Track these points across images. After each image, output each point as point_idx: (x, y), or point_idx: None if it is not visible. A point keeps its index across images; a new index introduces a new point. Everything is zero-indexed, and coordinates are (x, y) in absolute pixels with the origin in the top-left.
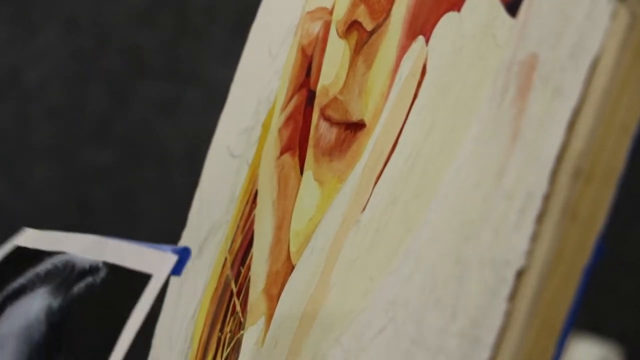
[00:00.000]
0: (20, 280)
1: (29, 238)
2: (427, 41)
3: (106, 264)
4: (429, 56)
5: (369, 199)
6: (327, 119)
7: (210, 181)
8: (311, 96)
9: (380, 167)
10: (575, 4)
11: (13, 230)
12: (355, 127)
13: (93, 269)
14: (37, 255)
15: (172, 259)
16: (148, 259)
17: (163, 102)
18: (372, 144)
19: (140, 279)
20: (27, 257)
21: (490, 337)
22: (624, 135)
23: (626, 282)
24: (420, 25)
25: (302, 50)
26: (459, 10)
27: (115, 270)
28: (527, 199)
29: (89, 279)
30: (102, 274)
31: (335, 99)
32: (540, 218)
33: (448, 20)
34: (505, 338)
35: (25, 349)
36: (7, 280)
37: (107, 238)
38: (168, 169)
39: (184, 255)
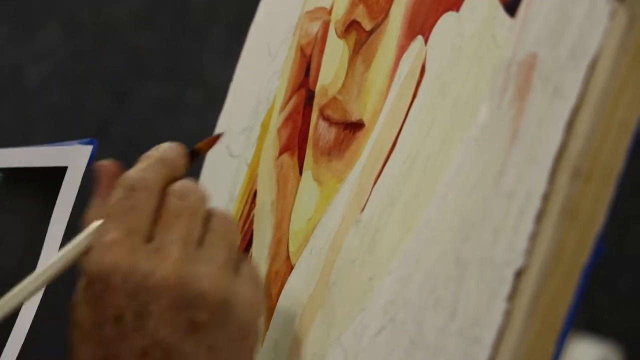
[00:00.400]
0: None
1: None
2: (426, 41)
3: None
4: (428, 56)
5: (368, 199)
6: (326, 118)
7: (209, 181)
8: (310, 96)
9: (379, 167)
10: (574, 4)
11: None
12: (354, 127)
13: None
14: None
15: (87, 149)
16: (56, 154)
17: (163, 102)
18: (371, 143)
19: (52, 174)
20: None
21: (489, 337)
22: (623, 134)
23: (625, 282)
24: (419, 25)
25: (301, 50)
26: (457, 10)
27: (13, 173)
28: (527, 198)
29: None
30: None
31: (334, 98)
32: (540, 218)
33: (447, 20)
34: (504, 338)
35: None
36: None
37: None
38: None
39: (95, 146)
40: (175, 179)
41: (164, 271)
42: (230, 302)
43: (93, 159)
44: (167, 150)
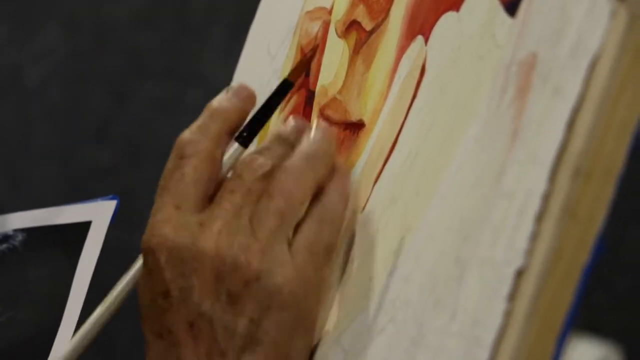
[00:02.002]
0: None
1: None
2: (426, 41)
3: (20, 230)
4: (428, 56)
5: (368, 199)
6: (326, 118)
7: None
8: (310, 96)
9: (379, 167)
10: (574, 3)
11: None
12: (355, 127)
13: (3, 239)
14: None
15: (110, 204)
16: (80, 211)
17: (163, 102)
18: (371, 143)
19: (76, 230)
20: None
21: (489, 337)
22: (624, 134)
23: (625, 282)
24: (419, 25)
25: (301, 50)
26: (457, 10)
27: (35, 232)
28: (527, 198)
29: (4, 246)
30: (19, 238)
31: (334, 98)
32: (540, 217)
33: (447, 20)
34: (504, 338)
35: None
36: None
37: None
38: None
39: (117, 202)
40: (237, 128)
41: (204, 243)
42: (266, 274)
43: (116, 214)
44: (230, 98)
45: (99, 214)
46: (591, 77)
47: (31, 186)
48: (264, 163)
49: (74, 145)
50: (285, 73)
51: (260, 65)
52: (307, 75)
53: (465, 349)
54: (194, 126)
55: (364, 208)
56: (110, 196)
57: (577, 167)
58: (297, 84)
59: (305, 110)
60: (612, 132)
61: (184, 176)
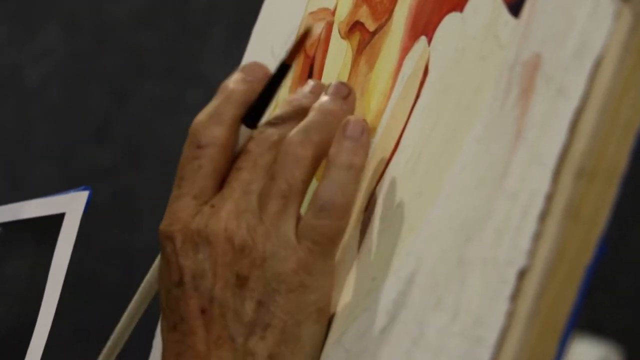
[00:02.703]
0: None
1: None
2: (429, 41)
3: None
4: (431, 56)
5: (370, 199)
6: None
7: None
8: None
9: (382, 168)
10: (578, 4)
11: None
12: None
13: None
14: None
15: (83, 195)
16: (53, 204)
17: (163, 102)
18: (374, 143)
19: (50, 222)
20: None
21: (491, 337)
22: (627, 134)
23: (627, 282)
24: (423, 26)
25: (304, 50)
26: (461, 10)
27: (12, 226)
28: (530, 198)
29: None
30: None
31: None
32: (543, 218)
33: (450, 21)
34: (507, 338)
35: None
36: None
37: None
38: (168, 169)
39: (90, 192)
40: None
41: (214, 225)
42: (271, 256)
43: (89, 204)
44: (240, 81)
45: (72, 205)
46: (595, 77)
47: (31, 186)
48: (271, 133)
49: (74, 145)
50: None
51: None
52: (311, 75)
53: (466, 349)
54: (210, 110)
55: (366, 208)
56: (82, 187)
57: (581, 167)
58: (300, 85)
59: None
60: (616, 133)
61: (201, 168)
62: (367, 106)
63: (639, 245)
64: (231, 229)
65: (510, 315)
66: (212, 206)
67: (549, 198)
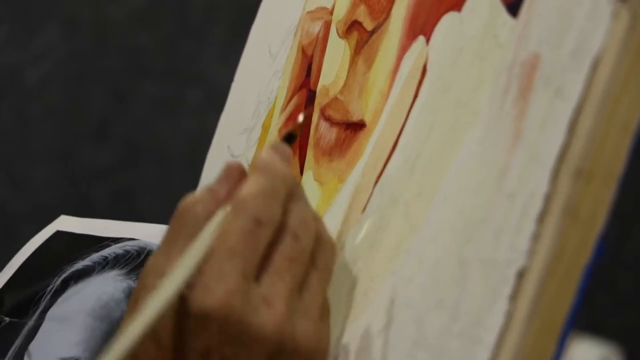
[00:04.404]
0: (84, 263)
1: (70, 224)
2: (427, 41)
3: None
4: (430, 56)
5: (369, 199)
6: (327, 119)
7: (210, 181)
8: (311, 96)
9: (380, 167)
10: (576, 4)
11: (13, 230)
12: (356, 127)
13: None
14: (98, 241)
15: None
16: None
17: (163, 102)
18: (372, 144)
19: None
20: (83, 241)
21: (491, 337)
22: (625, 135)
23: (626, 282)
24: (421, 25)
25: (303, 50)
26: (459, 10)
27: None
28: (529, 199)
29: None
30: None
31: (335, 99)
32: (542, 218)
33: (449, 20)
34: (506, 338)
35: (103, 326)
36: (61, 262)
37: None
38: (168, 169)
39: None
40: (290, 196)
41: (269, 328)
42: (319, 353)
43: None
44: (282, 159)
45: None
46: (593, 77)
47: (31, 186)
48: (312, 219)
49: (74, 145)
50: (286, 73)
51: (261, 65)
52: (309, 75)
53: (466, 349)
54: (267, 188)
55: (364, 208)
56: None
57: (579, 168)
58: (298, 85)
59: (306, 108)
60: (614, 133)
61: (257, 245)
62: (365, 106)
63: (639, 245)
64: (286, 331)
65: (510, 315)
66: (265, 301)
67: (548, 198)
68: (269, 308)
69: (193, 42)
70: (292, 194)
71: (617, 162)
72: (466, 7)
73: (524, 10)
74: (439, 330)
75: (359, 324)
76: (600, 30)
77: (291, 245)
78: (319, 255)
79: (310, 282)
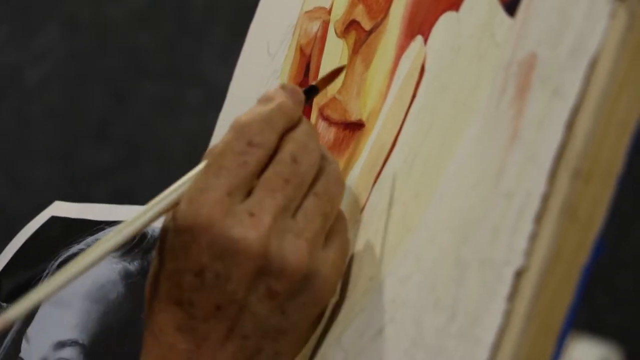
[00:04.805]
0: (79, 247)
1: (64, 209)
2: (425, 41)
3: None
4: (428, 55)
5: (367, 199)
6: (326, 118)
7: None
8: None
9: (378, 167)
10: (574, 3)
11: (13, 230)
12: (354, 127)
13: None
14: (92, 225)
15: None
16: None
17: (163, 102)
18: (370, 143)
19: None
20: (78, 226)
21: (489, 337)
22: (623, 134)
23: (625, 282)
24: (419, 25)
25: (301, 49)
26: (457, 9)
27: None
28: (526, 198)
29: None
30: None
31: (333, 98)
32: (539, 218)
33: (446, 20)
34: (504, 338)
35: (99, 308)
36: (57, 247)
37: None
38: (168, 169)
39: None
40: (291, 128)
41: (252, 240)
42: (310, 275)
43: None
44: (289, 96)
45: None
46: (591, 77)
47: (31, 186)
48: (315, 148)
49: (74, 145)
50: (284, 72)
51: (259, 65)
52: (307, 74)
53: (464, 349)
54: (264, 115)
55: (363, 208)
56: None
57: (577, 168)
58: (296, 84)
59: (304, 109)
60: (612, 133)
61: (246, 164)
62: (364, 105)
63: (639, 245)
64: (272, 246)
65: (508, 315)
66: (251, 214)
67: (545, 198)
68: (253, 220)
69: (193, 42)
70: (295, 126)
71: (616, 161)
72: (464, 6)
73: (522, 9)
74: (437, 330)
75: (357, 323)
76: (598, 29)
77: (288, 167)
78: (320, 182)
79: (308, 207)
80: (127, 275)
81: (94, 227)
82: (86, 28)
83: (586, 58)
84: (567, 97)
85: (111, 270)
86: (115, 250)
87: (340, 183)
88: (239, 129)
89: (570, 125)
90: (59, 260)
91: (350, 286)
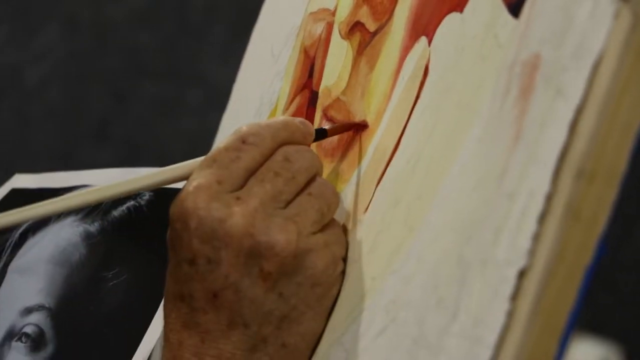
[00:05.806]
0: None
1: (24, 180)
2: (429, 42)
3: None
4: (432, 57)
5: (371, 200)
6: (330, 119)
7: None
8: (314, 97)
9: (382, 168)
10: (577, 4)
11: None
12: (358, 128)
13: (134, 194)
14: (53, 193)
15: None
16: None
17: (163, 102)
18: (374, 144)
19: None
20: (38, 196)
21: (492, 337)
22: (626, 135)
23: (627, 282)
24: (423, 26)
25: (305, 51)
26: (461, 11)
27: (162, 192)
28: (529, 198)
29: (131, 203)
30: (147, 196)
31: (337, 99)
32: (543, 218)
33: (450, 21)
34: (507, 338)
35: (63, 271)
36: None
37: (136, 168)
38: None
39: None
40: (292, 143)
41: (236, 219)
42: (301, 254)
43: None
44: (295, 120)
45: None
46: (594, 78)
47: None
48: (312, 157)
49: (74, 145)
50: (289, 74)
51: (263, 67)
52: (311, 76)
53: (467, 349)
54: (265, 122)
55: (366, 209)
56: None
57: (580, 168)
58: (300, 85)
59: (308, 110)
60: (615, 133)
61: (239, 159)
62: (368, 107)
63: None
64: (258, 226)
65: (511, 315)
66: (238, 198)
67: (549, 198)
68: (239, 202)
69: (193, 42)
70: (297, 143)
71: (619, 162)
72: (468, 7)
73: (526, 10)
74: (439, 330)
75: (359, 323)
76: (601, 30)
77: (279, 163)
78: (316, 184)
79: (301, 201)
80: (88, 237)
81: (54, 196)
82: (86, 28)
83: (590, 58)
84: (570, 98)
85: (72, 233)
86: (83, 206)
87: (336, 194)
88: (238, 131)
89: (573, 126)
90: (20, 229)
91: (352, 286)
